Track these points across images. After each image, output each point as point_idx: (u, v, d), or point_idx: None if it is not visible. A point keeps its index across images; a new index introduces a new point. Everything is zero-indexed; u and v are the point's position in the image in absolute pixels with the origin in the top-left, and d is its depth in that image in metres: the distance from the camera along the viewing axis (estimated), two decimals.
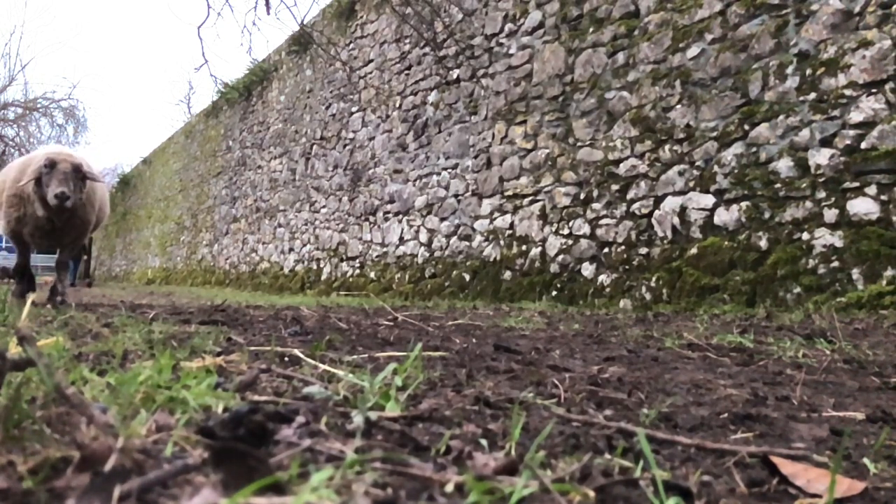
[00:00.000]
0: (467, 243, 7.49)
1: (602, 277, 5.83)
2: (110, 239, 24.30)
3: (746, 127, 4.88)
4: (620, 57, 5.91)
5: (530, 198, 6.70)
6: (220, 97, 15.51)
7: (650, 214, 5.51)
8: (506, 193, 7.02)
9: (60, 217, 4.58)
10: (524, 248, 6.69)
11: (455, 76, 7.95)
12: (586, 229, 6.06)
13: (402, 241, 8.65)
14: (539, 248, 6.52)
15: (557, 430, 1.01)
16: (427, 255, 8.12)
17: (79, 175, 4.51)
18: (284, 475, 0.64)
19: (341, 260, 10.00)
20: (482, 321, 3.67)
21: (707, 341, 2.62)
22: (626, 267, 5.63)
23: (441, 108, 8.15)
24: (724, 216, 4.95)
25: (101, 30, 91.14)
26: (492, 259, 7.08)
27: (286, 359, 1.67)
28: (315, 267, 10.70)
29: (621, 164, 5.79)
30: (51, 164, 4.37)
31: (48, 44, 62.22)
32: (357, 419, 0.94)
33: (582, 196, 6.14)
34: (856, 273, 4.14)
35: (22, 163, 4.90)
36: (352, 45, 10.27)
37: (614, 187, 5.84)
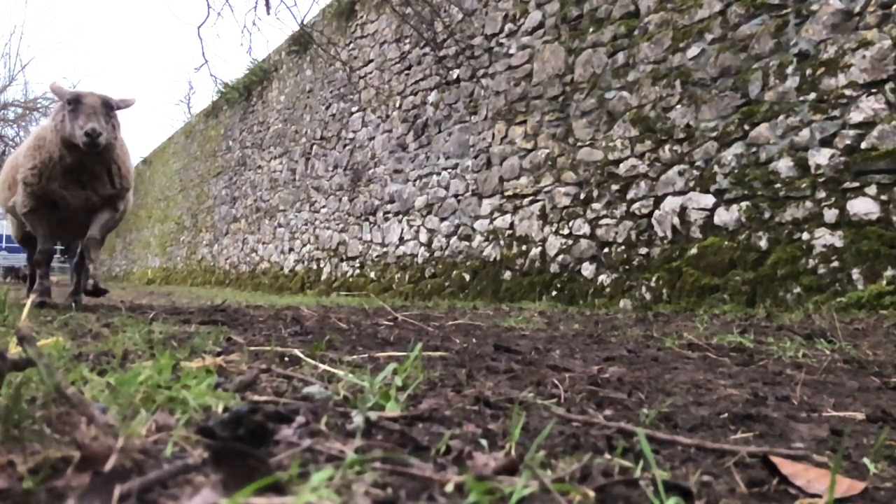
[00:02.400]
0: (467, 243, 7.48)
1: (602, 277, 5.83)
2: (110, 239, 24.29)
3: (746, 127, 4.88)
4: (620, 57, 5.91)
5: (530, 198, 6.70)
6: (220, 97, 15.50)
7: (650, 214, 5.51)
8: (506, 193, 7.02)
9: (91, 161, 3.86)
10: (524, 248, 6.69)
11: (455, 76, 7.95)
12: (586, 229, 6.06)
13: (402, 241, 8.65)
14: (539, 248, 6.52)
15: (557, 430, 1.02)
16: (427, 255, 8.12)
17: (110, 111, 3.83)
18: (284, 475, 0.64)
19: (341, 260, 10.00)
20: (482, 321, 3.67)
21: (707, 341, 2.61)
22: (626, 267, 5.63)
23: (441, 108, 8.15)
24: (724, 216, 4.95)
25: (101, 30, 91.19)
26: (492, 259, 7.08)
27: (286, 359, 1.67)
28: (315, 267, 10.70)
29: (621, 164, 5.79)
30: (75, 100, 3.72)
31: (48, 44, 62.14)
32: (357, 419, 0.94)
33: (582, 196, 6.14)
34: (856, 273, 4.14)
35: (34, 136, 4.17)
36: (352, 45, 10.27)
37: (614, 187, 5.83)
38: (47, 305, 4.15)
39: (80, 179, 4.00)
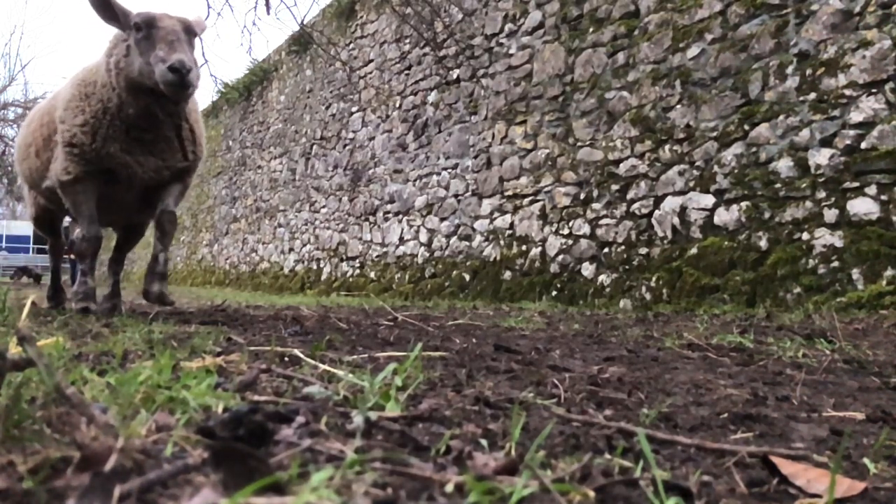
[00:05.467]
0: (467, 243, 7.48)
1: (602, 277, 5.83)
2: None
3: (746, 127, 4.88)
4: (620, 57, 5.91)
5: (530, 198, 6.70)
6: (220, 97, 15.51)
7: (650, 214, 5.51)
8: (506, 193, 7.02)
9: (165, 113, 2.93)
10: (524, 248, 6.69)
11: (455, 76, 7.95)
12: (586, 229, 6.06)
13: (402, 241, 8.64)
14: (539, 248, 6.51)
15: (557, 430, 1.01)
16: (427, 255, 8.12)
17: (192, 38, 2.91)
18: (284, 475, 0.64)
19: (341, 260, 10.00)
20: (482, 321, 3.67)
21: (707, 341, 2.61)
22: (626, 267, 5.63)
23: (441, 108, 8.15)
24: (724, 216, 4.95)
25: (101, 30, 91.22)
26: (492, 259, 7.08)
27: (286, 359, 1.67)
28: (315, 267, 10.70)
29: (621, 164, 5.79)
30: (148, 23, 2.74)
31: (48, 44, 62.32)
32: (357, 419, 0.94)
33: (582, 196, 6.14)
34: (856, 273, 4.14)
35: (78, 81, 3.18)
36: (352, 45, 10.27)
37: (614, 187, 5.83)
38: (92, 314, 3.31)
39: (145, 140, 3.04)
